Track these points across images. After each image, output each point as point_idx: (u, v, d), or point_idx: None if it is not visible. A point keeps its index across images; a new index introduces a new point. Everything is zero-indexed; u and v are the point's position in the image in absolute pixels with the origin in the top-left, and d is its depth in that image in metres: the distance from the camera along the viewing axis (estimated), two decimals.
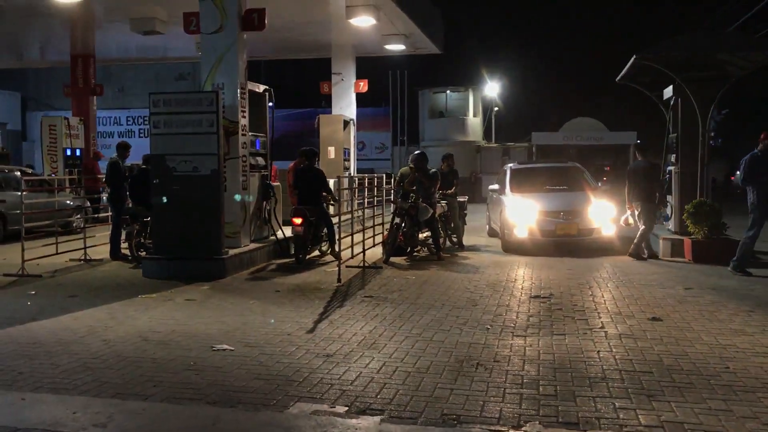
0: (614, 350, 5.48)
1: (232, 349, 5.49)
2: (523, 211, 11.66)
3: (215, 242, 9.34)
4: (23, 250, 9.43)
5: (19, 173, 14.24)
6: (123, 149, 11.29)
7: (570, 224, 11.44)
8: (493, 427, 3.86)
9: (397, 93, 34.55)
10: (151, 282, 8.81)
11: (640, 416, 4.03)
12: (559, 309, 7.10)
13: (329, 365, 5.04)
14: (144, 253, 10.32)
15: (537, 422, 3.94)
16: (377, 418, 3.99)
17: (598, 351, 5.45)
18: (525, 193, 12.20)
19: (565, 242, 11.56)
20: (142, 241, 10.53)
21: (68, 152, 18.62)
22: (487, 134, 33.40)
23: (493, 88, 33.70)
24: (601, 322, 6.51)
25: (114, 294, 8.01)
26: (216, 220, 9.37)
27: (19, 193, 13.06)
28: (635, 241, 10.86)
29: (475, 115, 32.07)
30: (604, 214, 11.55)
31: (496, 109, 34.37)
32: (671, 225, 11.91)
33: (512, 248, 11.67)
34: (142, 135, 32.89)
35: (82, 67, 19.42)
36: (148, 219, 10.27)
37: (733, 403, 4.23)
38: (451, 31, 36.48)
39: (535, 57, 39.11)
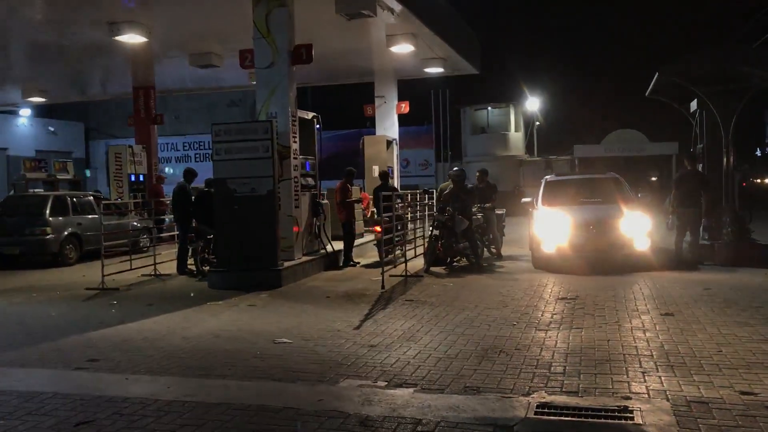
0: (622, 339, 6.23)
1: (291, 342, 6.45)
2: (550, 225, 11.13)
3: (272, 255, 10.37)
4: (103, 266, 10.61)
5: (92, 198, 15.62)
6: (190, 175, 12.49)
7: (600, 238, 10.79)
8: (506, 395, 4.70)
9: (439, 111, 35.47)
10: (216, 292, 9.86)
11: (632, 386, 4.81)
12: (581, 308, 7.84)
13: (373, 353, 5.95)
14: (207, 267, 11.43)
15: (543, 391, 4.76)
16: (411, 390, 4.87)
17: (608, 340, 6.21)
18: (556, 206, 11.59)
19: (596, 257, 10.85)
20: (206, 256, 11.65)
21: (132, 178, 20.05)
22: (529, 148, 33.99)
23: (533, 104, 34.32)
24: (617, 317, 7.25)
25: (185, 302, 9.07)
26: (272, 235, 10.40)
27: (93, 216, 14.57)
28: (690, 249, 11.35)
29: (516, 130, 32.73)
30: (639, 227, 10.84)
31: (537, 123, 34.96)
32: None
33: (541, 264, 11.30)
34: (197, 159, 34.57)
35: (143, 98, 20.88)
36: (211, 236, 11.38)
37: (715, 377, 4.97)
38: (491, 48, 37.26)
39: (575, 70, 39.55)
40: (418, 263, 11.99)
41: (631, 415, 4.21)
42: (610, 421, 4.16)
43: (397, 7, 12.67)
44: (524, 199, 13.58)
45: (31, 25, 13.64)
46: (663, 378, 4.99)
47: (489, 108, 33.06)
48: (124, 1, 12.15)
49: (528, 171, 31.02)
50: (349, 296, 9.15)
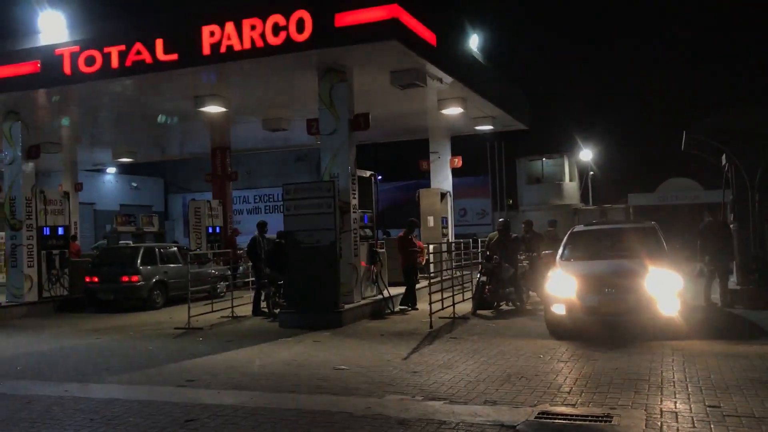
0: (628, 367, 7.30)
1: (348, 368, 7.78)
2: (561, 283, 9.76)
3: (334, 299, 11.78)
4: (189, 309, 12.23)
5: (176, 249, 17.50)
6: (262, 227, 14.18)
7: (617, 300, 9.34)
8: (516, 406, 5.88)
9: (495, 162, 36.73)
10: (286, 330, 11.28)
11: (621, 401, 5.92)
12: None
13: (415, 377, 7.21)
14: (278, 309, 12.92)
15: (547, 404, 5.92)
16: (441, 402, 6.12)
17: (616, 368, 7.29)
18: (574, 261, 10.55)
19: (612, 322, 9.49)
20: (277, 300, 13.17)
21: (210, 230, 21.98)
22: (584, 197, 34.75)
23: (587, 154, 35.20)
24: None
25: (259, 339, 10.52)
26: (334, 281, 11.83)
27: (177, 265, 16.38)
28: (720, 295, 12.17)
29: (571, 180, 33.62)
30: (666, 287, 9.27)
31: (591, 173, 35.76)
32: (734, 276, 13.23)
33: (553, 327, 9.83)
34: (267, 211, 36.76)
35: (220, 157, 22.99)
36: (282, 282, 12.90)
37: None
38: (545, 101, 38.48)
39: (629, 120, 40.25)
40: (467, 307, 13.16)
41: (610, 420, 5.34)
42: (593, 423, 5.30)
43: (446, 78, 14.16)
44: (545, 252, 12.76)
45: (127, 100, 15.75)
46: (654, 397, 6.08)
47: (543, 159, 34.12)
48: (204, 79, 14.06)
49: (583, 219, 31.67)
50: (401, 334, 10.43)
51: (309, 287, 11.84)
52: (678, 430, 5.11)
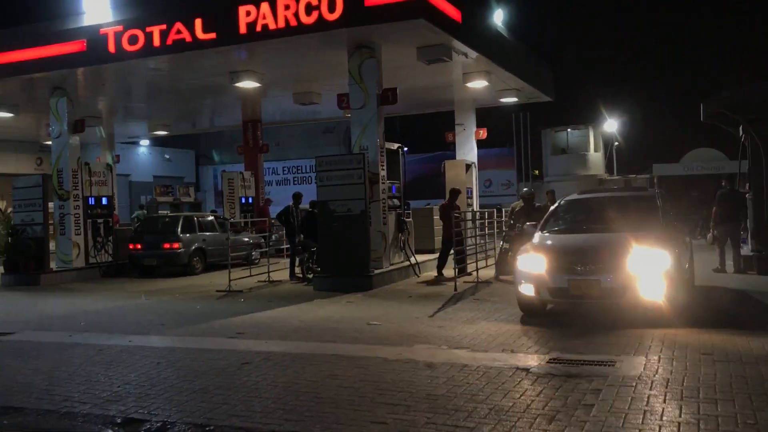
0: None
1: (380, 324, 8.56)
2: (530, 259, 8.51)
3: (364, 264, 12.57)
4: (230, 273, 13.12)
5: (213, 218, 18.41)
6: (298, 198, 15.02)
7: (590, 281, 7.98)
8: (531, 353, 6.61)
9: (520, 133, 37.08)
10: (320, 293, 12.09)
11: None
12: None
13: (441, 331, 7.98)
14: (312, 274, 13.75)
15: (559, 351, 6.64)
16: (465, 350, 6.88)
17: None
18: (553, 234, 9.21)
19: (585, 307, 8.61)
20: (311, 265, 14.00)
21: (243, 200, 22.84)
22: (609, 167, 35.02)
23: (612, 125, 35.38)
24: None
25: (296, 300, 11.35)
26: (365, 247, 12.60)
27: (214, 233, 17.30)
28: (733, 261, 12.79)
29: (596, 150, 33.86)
30: (649, 266, 7.87)
31: (616, 143, 35.96)
32: (749, 244, 13.74)
33: (524, 309, 8.82)
34: (296, 182, 37.58)
35: (251, 130, 23.79)
36: (315, 248, 13.71)
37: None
38: (570, 72, 38.55)
39: (655, 90, 40.17)
40: (490, 273, 13.85)
41: (613, 363, 6.05)
42: (597, 367, 6.02)
43: (471, 53, 14.69)
44: (528, 224, 11.18)
45: (164, 76, 16.54)
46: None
47: (569, 130, 34.38)
48: (240, 56, 14.75)
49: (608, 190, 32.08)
50: (427, 296, 11.19)
51: (341, 253, 12.62)
52: (672, 372, 5.79)
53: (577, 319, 8.46)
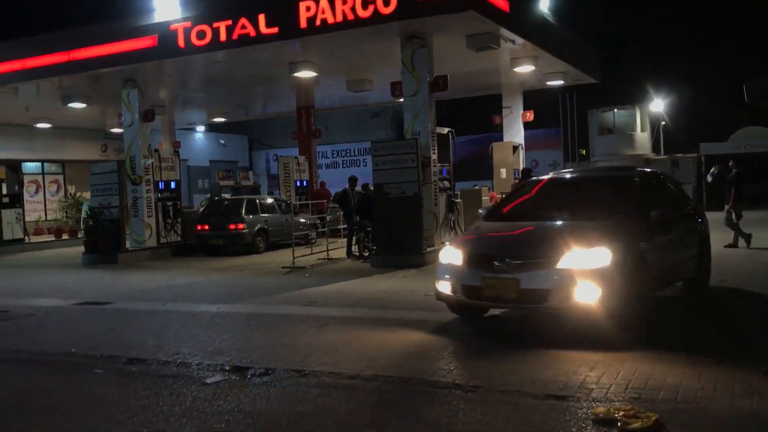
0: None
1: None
2: (452, 252, 7.33)
3: (418, 242, 13.47)
4: (293, 251, 14.19)
5: (273, 200, 19.53)
6: (353, 181, 16.00)
7: (505, 281, 6.62)
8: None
9: (566, 114, 37.29)
10: (377, 269, 13.04)
11: None
12: None
13: None
14: (368, 252, 14.72)
15: None
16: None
17: None
18: (497, 221, 7.99)
19: (504, 311, 7.60)
20: (367, 244, 14.97)
21: (297, 183, 23.94)
22: (656, 147, 35.04)
23: (659, 104, 35.34)
24: None
25: (356, 275, 12.32)
26: (418, 227, 13.49)
27: (275, 215, 18.42)
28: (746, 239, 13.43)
29: (642, 130, 33.92)
30: (581, 267, 6.41)
31: (663, 123, 35.91)
32: None
33: (451, 309, 7.64)
34: (344, 165, 38.60)
35: (305, 116, 24.81)
36: (371, 228, 14.66)
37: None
38: (617, 52, 38.48)
39: (702, 69, 39.76)
40: None
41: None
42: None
43: (518, 40, 15.34)
44: (483, 208, 10.32)
45: (226, 68, 17.62)
46: None
47: (615, 110, 34.51)
48: (299, 48, 15.70)
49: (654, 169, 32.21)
50: None
51: (396, 233, 13.53)
52: None
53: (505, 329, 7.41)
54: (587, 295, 6.35)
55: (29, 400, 5.53)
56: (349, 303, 9.11)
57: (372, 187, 14.48)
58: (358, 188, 16.39)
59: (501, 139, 22.26)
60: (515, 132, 22.22)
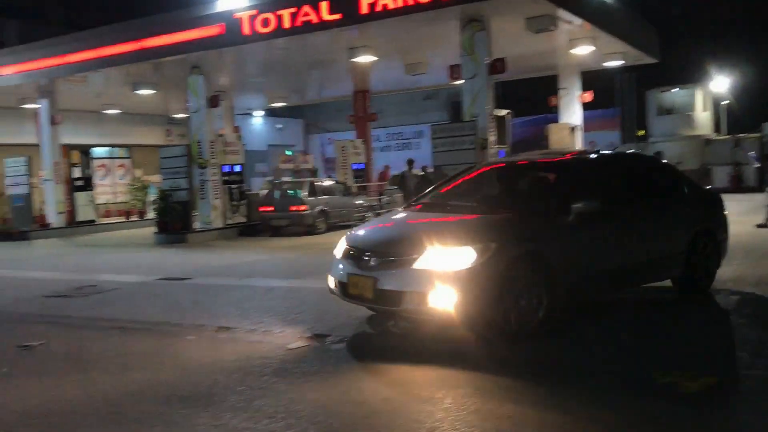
0: None
1: None
2: (340, 244, 6.94)
3: None
4: None
5: (332, 182, 20.07)
6: (411, 163, 16.37)
7: (365, 279, 6.19)
8: None
9: (624, 94, 36.76)
10: None
11: None
12: None
13: None
14: None
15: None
16: None
17: None
18: (410, 211, 7.37)
19: (368, 309, 6.89)
20: None
21: (354, 166, 24.43)
22: (717, 127, 34.26)
23: (720, 83, 34.48)
24: None
25: None
26: None
27: (334, 197, 18.96)
28: None
29: (704, 110, 33.24)
30: (440, 268, 5.79)
31: (725, 102, 35.03)
32: None
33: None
34: (398, 148, 38.98)
35: (361, 100, 25.23)
36: None
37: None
38: (678, 31, 37.63)
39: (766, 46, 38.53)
40: None
41: None
42: None
43: (576, 21, 15.38)
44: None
45: (287, 53, 18.13)
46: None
47: (675, 89, 33.87)
48: (360, 34, 16.07)
49: (715, 150, 31.54)
50: None
51: None
52: None
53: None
54: (443, 300, 5.70)
55: (132, 361, 6.12)
56: None
57: (431, 169, 14.84)
58: (417, 170, 16.76)
59: (556, 120, 22.26)
60: (572, 113, 22.19)
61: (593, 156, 7.62)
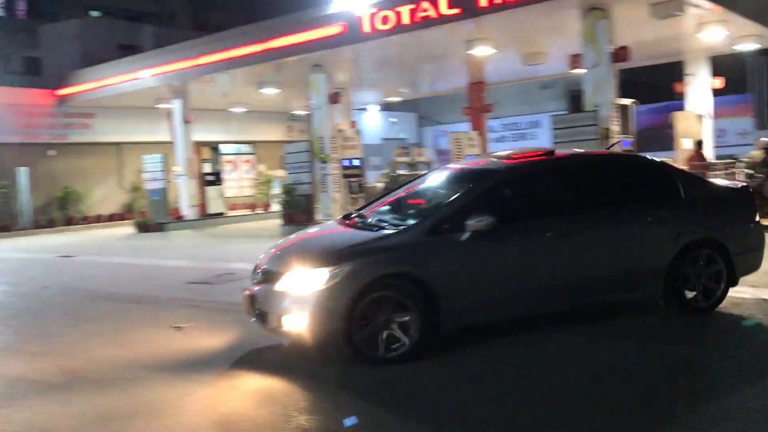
0: None
1: None
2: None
3: None
4: None
5: None
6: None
7: (248, 297, 6.38)
8: None
9: (758, 78, 34.50)
10: None
11: None
12: None
13: None
14: None
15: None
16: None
17: None
18: (336, 226, 7.25)
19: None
20: None
21: (468, 158, 24.43)
22: None
23: None
24: None
25: None
26: None
27: None
28: None
29: None
30: (296, 288, 5.85)
31: None
32: None
33: None
34: (513, 139, 38.53)
35: (476, 92, 25.21)
36: None
37: None
38: None
39: None
40: None
41: None
42: None
43: (705, 4, 14.69)
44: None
45: (403, 48, 18.42)
46: None
47: None
48: (478, 27, 16.10)
49: None
50: None
51: None
52: None
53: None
54: (296, 323, 5.77)
55: None
56: None
57: None
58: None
59: (682, 107, 21.32)
60: (699, 100, 21.17)
61: (535, 162, 6.69)
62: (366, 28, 16.20)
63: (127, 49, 27.26)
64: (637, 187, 7.03)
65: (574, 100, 27.47)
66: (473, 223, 5.87)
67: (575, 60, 14.84)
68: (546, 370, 5.68)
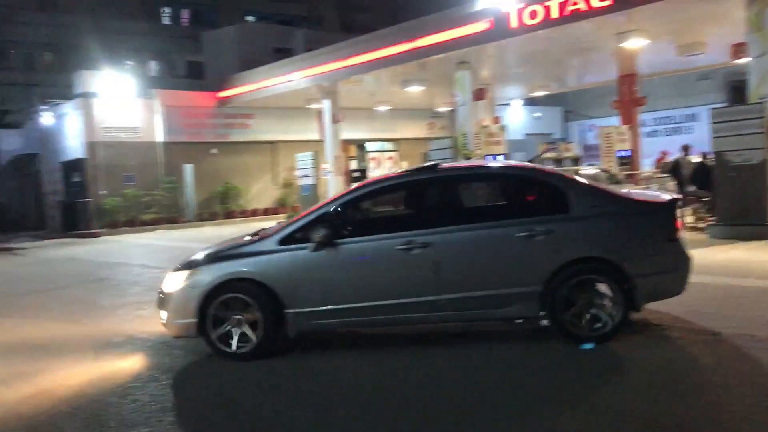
0: None
1: None
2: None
3: (762, 213, 12.71)
4: None
5: (597, 170, 19.72)
6: (686, 149, 15.55)
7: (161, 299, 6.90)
8: None
9: None
10: (716, 240, 12.63)
11: None
12: None
13: None
14: (704, 224, 14.28)
15: None
16: None
17: None
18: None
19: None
20: (704, 214, 14.51)
21: (618, 153, 23.58)
22: None
23: None
24: None
25: (696, 245, 11.97)
26: (762, 196, 12.71)
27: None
28: None
29: None
30: (165, 287, 6.76)
31: None
32: None
33: None
34: (666, 134, 36.67)
35: (627, 84, 24.25)
36: (707, 198, 14.17)
37: None
38: None
39: None
40: None
41: None
42: None
43: None
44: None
45: (551, 42, 18.16)
46: None
47: None
48: (619, 18, 15.57)
49: None
50: None
51: (737, 203, 12.93)
52: None
53: None
54: (164, 319, 6.67)
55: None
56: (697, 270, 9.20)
57: (711, 155, 13.97)
58: (693, 156, 15.84)
59: None
60: None
61: (400, 176, 6.85)
62: (513, 23, 16.18)
63: (281, 52, 28.89)
64: (515, 201, 6.94)
65: (736, 91, 25.73)
66: (314, 235, 6.25)
67: (738, 49, 14.00)
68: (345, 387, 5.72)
